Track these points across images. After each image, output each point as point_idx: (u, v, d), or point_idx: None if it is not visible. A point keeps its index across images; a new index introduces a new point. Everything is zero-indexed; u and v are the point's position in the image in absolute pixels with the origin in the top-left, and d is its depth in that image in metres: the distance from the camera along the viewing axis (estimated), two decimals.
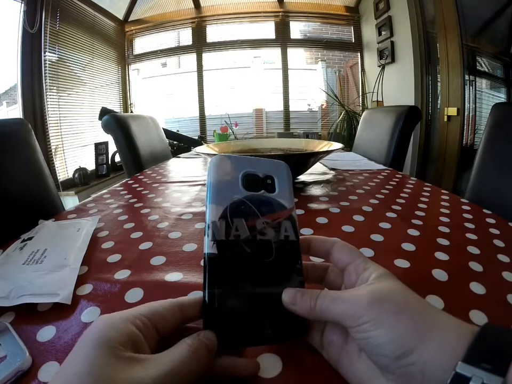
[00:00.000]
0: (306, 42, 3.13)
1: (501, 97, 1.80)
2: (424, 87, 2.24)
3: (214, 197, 0.21)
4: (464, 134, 1.89)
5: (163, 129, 1.58)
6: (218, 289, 0.19)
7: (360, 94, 3.04)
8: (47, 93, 2.09)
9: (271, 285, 0.20)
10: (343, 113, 2.75)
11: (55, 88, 2.18)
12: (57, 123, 2.20)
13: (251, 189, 0.22)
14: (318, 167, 0.91)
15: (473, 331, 0.15)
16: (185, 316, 0.19)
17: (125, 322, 0.16)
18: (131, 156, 1.13)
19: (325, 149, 0.76)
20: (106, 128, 1.14)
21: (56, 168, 2.16)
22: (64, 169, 2.26)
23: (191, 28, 3.07)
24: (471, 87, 1.86)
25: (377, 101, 2.65)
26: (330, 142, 0.79)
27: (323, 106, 3.16)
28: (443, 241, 0.40)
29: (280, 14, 3.01)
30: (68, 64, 2.31)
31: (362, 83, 3.03)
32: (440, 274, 0.32)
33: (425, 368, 0.14)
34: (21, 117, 1.90)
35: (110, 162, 2.52)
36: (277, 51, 3.08)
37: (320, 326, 0.21)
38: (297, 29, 3.12)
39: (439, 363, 0.14)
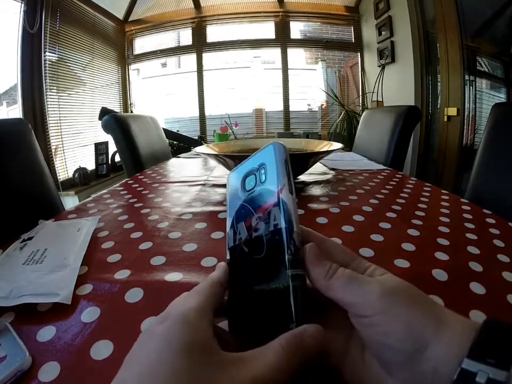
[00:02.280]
0: (306, 42, 3.13)
1: (501, 97, 1.80)
2: (424, 87, 2.24)
3: (228, 210, 0.23)
4: (464, 134, 1.89)
5: (163, 129, 1.58)
6: (230, 289, 0.20)
7: (360, 94, 3.04)
8: (47, 93, 2.08)
9: (262, 281, 0.19)
10: (343, 113, 2.75)
11: (55, 88, 2.18)
12: (57, 123, 2.20)
13: (250, 188, 0.22)
14: (318, 167, 0.91)
15: (476, 327, 0.15)
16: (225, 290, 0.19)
17: (203, 319, 0.15)
18: (131, 156, 1.13)
19: (325, 149, 0.76)
20: (106, 128, 1.14)
21: (56, 168, 2.16)
22: (64, 169, 2.26)
23: (191, 27, 3.07)
24: (471, 87, 1.86)
25: (377, 101, 2.65)
26: (330, 142, 0.79)
27: (323, 106, 3.16)
28: (443, 241, 0.40)
29: (280, 14, 3.01)
30: (68, 64, 2.31)
31: (362, 83, 3.03)
32: (440, 274, 0.32)
33: (437, 364, 0.14)
34: (21, 117, 1.90)
35: (110, 162, 2.52)
36: (277, 51, 3.08)
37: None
38: (297, 29, 3.12)
39: (448, 359, 0.14)
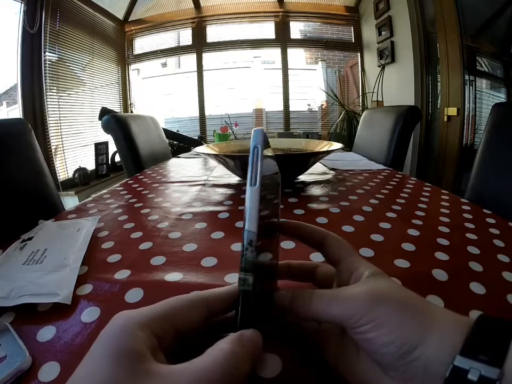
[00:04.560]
0: (306, 42, 3.13)
1: (501, 97, 1.80)
2: (424, 87, 2.24)
3: None
4: (464, 134, 1.89)
5: (163, 129, 1.58)
6: None
7: (360, 94, 3.04)
8: (47, 93, 2.09)
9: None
10: (343, 113, 2.75)
11: (55, 88, 2.18)
12: (57, 123, 2.20)
13: None
14: (318, 167, 0.91)
15: (469, 324, 0.15)
16: (211, 312, 0.18)
17: (143, 327, 0.15)
18: (131, 156, 1.13)
19: (325, 149, 0.76)
20: (106, 128, 1.14)
21: (56, 168, 2.16)
22: (64, 169, 2.26)
23: (191, 28, 3.08)
24: (471, 87, 1.86)
25: (377, 101, 2.65)
26: (330, 142, 0.79)
27: (323, 106, 3.16)
28: (443, 241, 0.40)
29: (280, 14, 3.02)
30: (68, 64, 2.31)
31: (362, 83, 3.03)
32: (440, 274, 0.32)
33: (428, 363, 0.14)
34: (21, 117, 1.90)
35: (110, 162, 2.52)
36: (277, 51, 3.08)
37: (315, 325, 0.21)
38: (297, 29, 3.12)
39: (440, 358, 0.14)
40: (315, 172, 0.84)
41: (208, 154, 0.70)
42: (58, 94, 2.22)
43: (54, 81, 2.17)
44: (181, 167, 1.03)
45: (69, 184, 2.21)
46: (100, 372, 0.13)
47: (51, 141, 2.13)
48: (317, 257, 0.35)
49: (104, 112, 1.83)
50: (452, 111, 1.91)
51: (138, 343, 0.14)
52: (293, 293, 0.19)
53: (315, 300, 0.18)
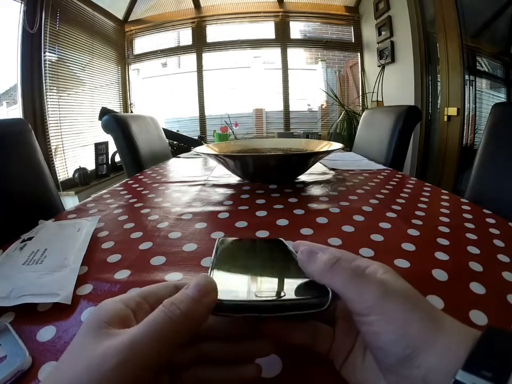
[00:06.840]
0: (306, 42, 3.13)
1: (501, 97, 1.80)
2: (424, 87, 2.24)
3: None
4: (464, 134, 1.89)
5: (163, 129, 1.58)
6: None
7: (360, 94, 3.04)
8: (47, 93, 2.08)
9: None
10: (343, 113, 2.75)
11: (55, 88, 2.18)
12: (57, 123, 2.20)
13: None
14: (318, 167, 0.91)
15: (476, 336, 0.15)
16: None
17: (115, 302, 0.17)
18: (131, 156, 1.13)
19: (325, 149, 0.76)
20: (106, 128, 1.14)
21: (56, 168, 2.16)
22: (64, 169, 2.26)
23: (191, 28, 3.07)
24: (471, 87, 1.86)
25: (377, 101, 2.65)
26: (330, 142, 0.79)
27: (323, 106, 3.16)
28: (443, 241, 0.40)
29: (280, 14, 3.01)
30: (67, 64, 2.31)
31: (362, 83, 3.03)
32: (440, 274, 0.32)
33: (429, 373, 0.14)
34: (21, 117, 1.90)
35: (110, 162, 2.52)
36: (277, 51, 3.08)
37: (330, 332, 0.20)
38: (297, 29, 3.12)
39: (441, 369, 0.14)
40: (315, 172, 0.84)
41: (208, 154, 0.70)
42: (58, 94, 2.22)
43: (54, 81, 2.17)
44: (181, 167, 1.03)
45: (69, 184, 2.21)
46: (77, 343, 0.16)
47: (51, 141, 2.13)
48: None
49: (104, 112, 1.82)
50: (452, 111, 1.91)
51: (106, 313, 0.16)
52: (312, 247, 0.21)
53: (339, 264, 0.18)
